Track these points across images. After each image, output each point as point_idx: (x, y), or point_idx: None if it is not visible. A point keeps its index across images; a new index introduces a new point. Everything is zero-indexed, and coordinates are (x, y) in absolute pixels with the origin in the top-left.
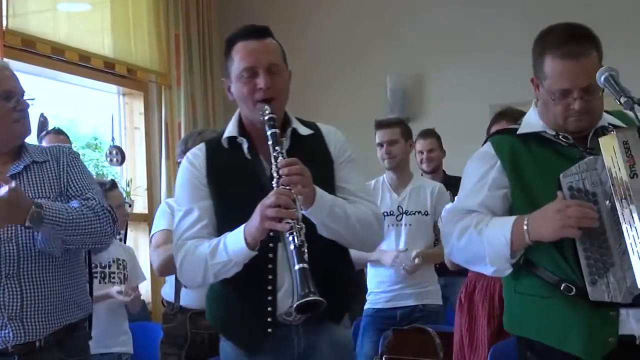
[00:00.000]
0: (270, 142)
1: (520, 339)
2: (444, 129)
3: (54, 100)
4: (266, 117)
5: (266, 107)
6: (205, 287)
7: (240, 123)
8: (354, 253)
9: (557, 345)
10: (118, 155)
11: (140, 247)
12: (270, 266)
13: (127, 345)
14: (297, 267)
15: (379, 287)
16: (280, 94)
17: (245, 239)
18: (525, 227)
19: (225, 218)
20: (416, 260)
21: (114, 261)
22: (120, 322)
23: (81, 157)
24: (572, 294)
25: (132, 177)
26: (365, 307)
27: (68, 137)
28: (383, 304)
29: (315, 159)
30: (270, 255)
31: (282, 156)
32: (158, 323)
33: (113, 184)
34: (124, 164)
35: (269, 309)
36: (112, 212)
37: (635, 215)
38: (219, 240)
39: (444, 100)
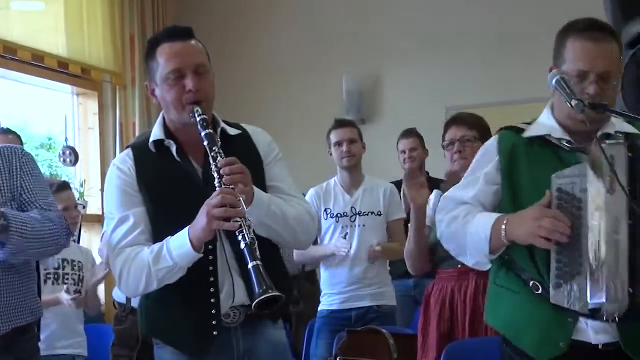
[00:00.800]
0: (206, 143)
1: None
2: (399, 131)
3: (6, 100)
4: (199, 119)
5: (197, 108)
6: None
7: (166, 126)
8: (305, 253)
9: (513, 340)
10: (72, 156)
11: (95, 248)
12: (211, 268)
13: (82, 347)
14: (251, 264)
15: (334, 288)
16: (209, 95)
17: (191, 242)
18: (503, 227)
19: (162, 223)
20: (378, 247)
21: (67, 262)
22: (75, 324)
23: (35, 158)
24: (538, 292)
25: (86, 177)
26: (320, 308)
27: (18, 137)
28: (338, 306)
29: (246, 159)
30: (211, 257)
31: (221, 156)
32: (110, 324)
33: (61, 186)
34: (77, 165)
35: (213, 311)
36: (67, 223)
37: (601, 231)
38: (162, 246)
39: (400, 102)
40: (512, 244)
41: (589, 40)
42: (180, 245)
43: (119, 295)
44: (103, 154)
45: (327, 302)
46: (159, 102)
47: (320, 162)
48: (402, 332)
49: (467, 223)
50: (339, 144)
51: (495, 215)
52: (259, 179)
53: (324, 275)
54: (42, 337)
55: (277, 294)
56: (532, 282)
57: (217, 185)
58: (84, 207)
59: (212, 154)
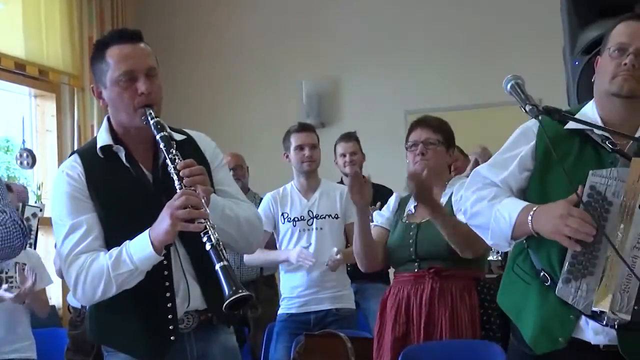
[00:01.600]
0: (162, 146)
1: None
2: (360, 134)
3: None
4: (152, 122)
5: (149, 111)
6: None
7: (112, 131)
8: (258, 256)
9: (515, 321)
10: (29, 158)
11: (51, 251)
12: (166, 272)
13: (30, 351)
14: (218, 265)
15: (293, 292)
16: (159, 98)
17: (153, 244)
18: (530, 217)
19: (113, 229)
20: (338, 256)
21: (13, 265)
22: (20, 328)
23: None
24: (547, 284)
25: (43, 180)
26: (279, 312)
27: None
28: (297, 309)
29: None
30: (165, 261)
31: (179, 158)
32: (65, 329)
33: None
34: (35, 167)
35: (170, 316)
36: (22, 225)
37: (624, 242)
38: (121, 250)
39: (359, 106)
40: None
41: (634, 20)
42: (141, 249)
43: (73, 300)
44: (61, 156)
45: (286, 305)
46: (106, 105)
47: (279, 166)
48: (360, 335)
49: (493, 205)
50: (300, 147)
51: (523, 204)
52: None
53: (283, 279)
54: None
55: (248, 293)
56: (542, 273)
57: (177, 187)
58: (41, 210)
59: (170, 157)
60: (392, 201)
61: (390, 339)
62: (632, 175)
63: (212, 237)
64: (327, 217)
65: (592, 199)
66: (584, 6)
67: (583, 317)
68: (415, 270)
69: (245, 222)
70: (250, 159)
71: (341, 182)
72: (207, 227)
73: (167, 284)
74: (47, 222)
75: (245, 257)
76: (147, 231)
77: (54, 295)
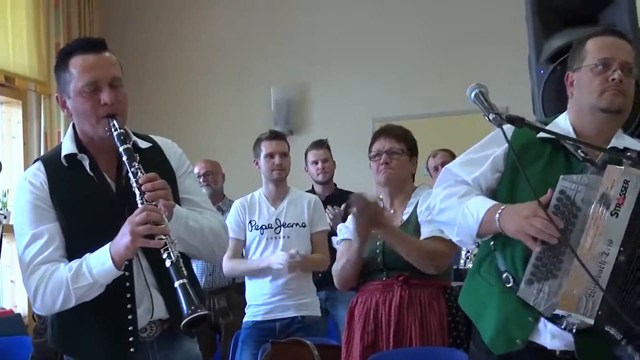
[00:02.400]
0: (125, 158)
1: (473, 331)
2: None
3: None
4: (115, 133)
5: (113, 122)
6: None
7: (77, 139)
8: (237, 267)
9: (476, 322)
10: None
11: (16, 258)
12: (127, 284)
13: None
14: (177, 283)
15: (258, 299)
16: (124, 108)
17: (113, 259)
18: (497, 215)
19: (75, 239)
20: (297, 257)
21: None
22: None
23: None
24: (508, 285)
25: (9, 187)
26: (245, 319)
27: None
28: (262, 316)
29: (159, 172)
30: (127, 273)
31: (141, 171)
32: (30, 337)
33: None
34: (0, 174)
35: (130, 327)
36: None
37: (587, 243)
38: (81, 263)
39: (328, 113)
40: (500, 235)
41: (610, 35)
42: (100, 263)
43: None
44: (26, 163)
45: (252, 313)
46: (71, 114)
47: (247, 173)
48: (326, 342)
49: (462, 202)
50: (270, 155)
51: (491, 202)
52: (173, 192)
53: (248, 286)
54: None
55: (205, 312)
56: (505, 274)
57: (138, 201)
58: (5, 217)
59: (132, 170)
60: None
61: (359, 347)
62: (606, 183)
63: (172, 254)
64: (294, 225)
65: (561, 203)
66: (549, 15)
67: (542, 320)
68: (384, 278)
69: (209, 232)
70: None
71: (312, 190)
72: (167, 243)
73: (128, 295)
74: (12, 230)
75: (225, 269)
76: (107, 245)
77: (20, 303)
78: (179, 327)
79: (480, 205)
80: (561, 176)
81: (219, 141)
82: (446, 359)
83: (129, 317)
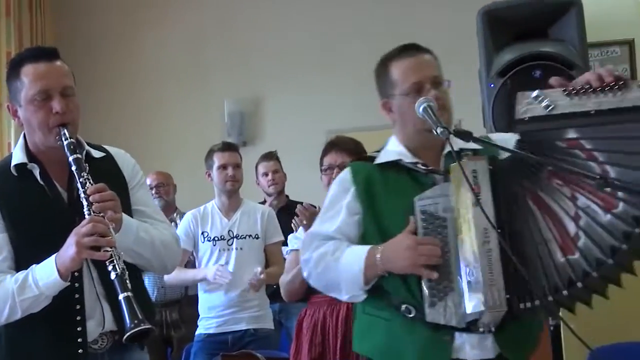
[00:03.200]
0: (74, 168)
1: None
2: (281, 153)
3: None
4: (65, 142)
5: (64, 131)
6: None
7: (28, 148)
8: (183, 275)
9: None
10: None
11: None
12: (77, 295)
13: None
14: (121, 296)
15: (211, 312)
16: (75, 118)
17: (58, 270)
18: (378, 258)
19: (25, 249)
20: (262, 275)
21: None
22: None
23: None
24: (411, 315)
25: None
26: (197, 332)
27: None
28: (215, 329)
29: (111, 183)
30: (77, 284)
31: (90, 182)
32: None
33: None
34: None
35: (80, 339)
36: None
37: (467, 242)
38: (27, 275)
39: (281, 125)
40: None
41: (410, 56)
42: (46, 275)
43: None
44: None
45: (204, 325)
46: (22, 124)
47: (200, 184)
48: (277, 355)
49: (338, 258)
50: (223, 167)
51: (366, 248)
52: (125, 203)
53: (201, 298)
54: None
55: (148, 326)
56: (403, 306)
57: (86, 212)
58: None
59: (81, 180)
60: None
61: (307, 359)
62: (455, 181)
63: (117, 266)
64: (247, 237)
65: (427, 222)
66: (499, 29)
67: (457, 334)
68: None
69: (160, 244)
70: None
71: (264, 202)
72: (113, 255)
73: (78, 307)
74: None
75: (165, 276)
76: (53, 256)
77: None
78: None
79: (357, 254)
80: (415, 199)
81: (172, 152)
82: None
83: (78, 328)
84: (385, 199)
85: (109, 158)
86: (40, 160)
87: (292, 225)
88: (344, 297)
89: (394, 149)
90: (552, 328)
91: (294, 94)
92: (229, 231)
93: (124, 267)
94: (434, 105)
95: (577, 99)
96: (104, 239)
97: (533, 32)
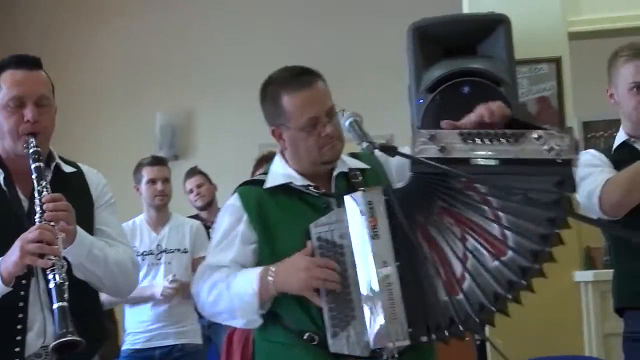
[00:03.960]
0: (34, 176)
1: None
2: (213, 167)
3: None
4: (31, 150)
5: (32, 139)
6: None
7: None
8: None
9: None
10: None
11: None
12: (21, 304)
13: None
14: (56, 305)
15: (138, 327)
16: (46, 128)
17: (2, 275)
18: (271, 278)
19: None
20: (173, 284)
21: None
22: None
23: None
24: (314, 343)
25: None
26: (123, 347)
27: None
28: (142, 344)
29: (77, 198)
30: (22, 292)
31: (47, 191)
32: None
33: None
34: None
35: (17, 349)
36: None
37: (367, 274)
38: None
39: (213, 139)
40: (280, 297)
41: (301, 90)
42: None
43: None
44: None
45: (131, 340)
46: None
47: (130, 198)
48: None
49: (230, 284)
50: (152, 181)
51: (258, 269)
52: (87, 221)
53: (128, 313)
54: None
55: (76, 338)
56: (306, 334)
57: (37, 219)
58: None
59: (38, 188)
60: None
61: None
62: (352, 212)
63: (57, 275)
64: (175, 251)
65: (324, 249)
66: (428, 46)
67: None
68: None
69: (114, 264)
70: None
71: (194, 216)
72: (56, 264)
73: (20, 315)
74: None
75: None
76: None
77: None
78: (79, 354)
79: (249, 276)
80: (311, 225)
81: (103, 165)
82: None
83: (17, 338)
84: (280, 224)
85: (79, 174)
86: (7, 167)
87: None
88: (240, 324)
89: (281, 172)
90: (477, 343)
91: (227, 108)
92: (157, 245)
93: (65, 277)
94: (360, 120)
95: (472, 143)
96: (49, 247)
97: (462, 49)
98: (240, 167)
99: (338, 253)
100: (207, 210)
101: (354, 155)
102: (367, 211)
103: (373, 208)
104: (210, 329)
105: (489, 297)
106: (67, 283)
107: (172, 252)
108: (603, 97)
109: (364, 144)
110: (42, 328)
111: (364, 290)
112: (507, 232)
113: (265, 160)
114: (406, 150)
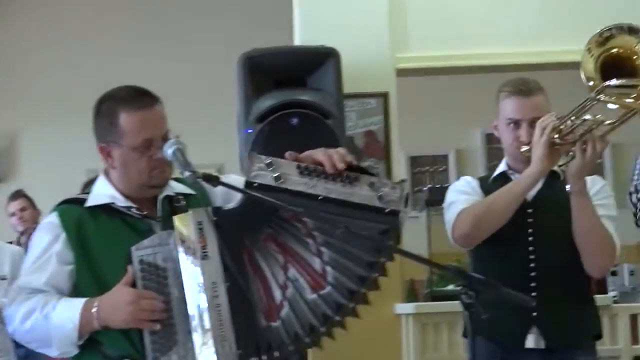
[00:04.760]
0: None
1: None
2: (38, 191)
3: None
4: None
5: None
6: None
7: None
8: None
9: None
10: None
11: None
12: None
13: None
14: None
15: None
16: None
17: None
18: (95, 312)
19: None
20: None
21: None
22: None
23: None
24: None
25: None
26: None
27: None
28: None
29: None
30: None
31: None
32: None
33: None
34: None
35: None
36: None
37: (195, 296)
38: None
39: (38, 162)
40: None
41: (143, 109)
42: None
43: None
44: None
45: None
46: None
47: None
48: None
49: (48, 314)
50: None
51: (81, 301)
52: None
53: None
54: None
55: None
56: None
57: None
58: None
59: None
60: None
61: None
62: (179, 233)
63: None
64: None
65: (146, 272)
66: (258, 76)
67: None
68: None
69: None
70: None
71: (17, 242)
72: None
73: None
74: None
75: None
76: None
77: None
78: None
79: (71, 309)
80: (132, 248)
81: None
82: None
83: None
84: (100, 246)
85: None
86: None
87: None
88: (54, 353)
89: (104, 192)
90: None
91: (53, 132)
92: None
93: None
94: (183, 148)
95: (308, 178)
96: None
97: (292, 80)
98: (67, 192)
99: (161, 276)
100: (28, 236)
101: (180, 180)
102: (197, 231)
103: (202, 228)
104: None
105: (305, 328)
106: None
107: None
108: (429, 133)
109: (187, 173)
110: None
111: (192, 311)
112: (328, 268)
113: (91, 184)
114: (234, 178)
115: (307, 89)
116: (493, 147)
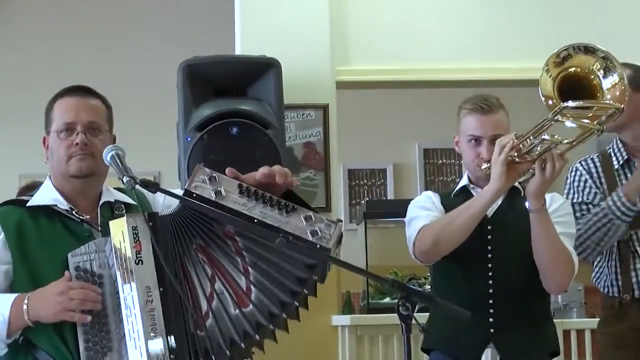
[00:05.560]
0: None
1: None
2: None
3: None
4: None
5: None
6: None
7: None
8: None
9: None
10: None
11: None
12: None
13: None
14: None
15: None
16: None
17: None
18: (25, 307)
19: None
20: None
21: None
22: None
23: None
24: None
25: None
26: None
27: None
28: None
29: None
30: None
31: None
32: None
33: None
34: None
35: None
36: None
37: (135, 301)
38: None
39: None
40: (34, 327)
41: (72, 97)
42: None
43: None
44: None
45: None
46: None
47: None
48: None
49: None
50: None
51: (12, 296)
52: None
53: None
54: None
55: None
56: None
57: None
58: None
59: None
60: None
61: None
62: (116, 237)
63: None
64: None
65: (82, 279)
66: (199, 85)
67: None
68: None
69: None
70: None
71: None
72: None
73: None
74: None
75: None
76: None
77: None
78: None
79: (1, 303)
80: (69, 255)
81: None
82: None
83: None
84: (39, 248)
85: None
86: None
87: None
88: None
89: (47, 194)
90: None
91: None
92: None
93: None
94: (122, 154)
95: (247, 199)
96: None
97: (232, 90)
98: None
99: (96, 283)
100: None
101: (122, 190)
102: (132, 236)
103: (138, 233)
104: None
105: (226, 342)
106: None
107: None
108: (367, 146)
109: (125, 179)
110: None
111: (125, 316)
112: (253, 288)
113: (29, 190)
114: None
115: (248, 99)
116: (430, 163)
